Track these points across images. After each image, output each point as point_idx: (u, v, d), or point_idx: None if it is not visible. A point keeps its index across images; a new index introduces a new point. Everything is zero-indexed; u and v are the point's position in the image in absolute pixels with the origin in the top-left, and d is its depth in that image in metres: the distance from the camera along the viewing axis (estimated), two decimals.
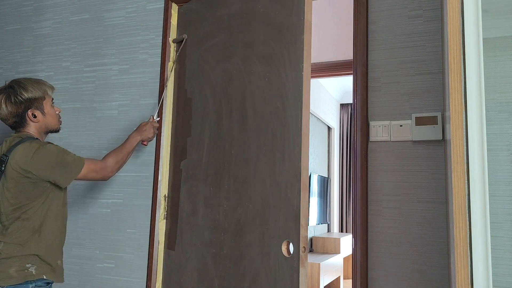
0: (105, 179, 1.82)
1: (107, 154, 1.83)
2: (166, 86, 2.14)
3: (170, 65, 2.19)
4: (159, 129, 2.10)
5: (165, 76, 2.16)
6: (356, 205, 1.78)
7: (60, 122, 1.88)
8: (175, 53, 2.21)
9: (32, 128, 1.78)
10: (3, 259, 1.64)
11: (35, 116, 1.76)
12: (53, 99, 1.85)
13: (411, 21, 1.80)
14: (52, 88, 1.83)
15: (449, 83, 1.06)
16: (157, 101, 2.18)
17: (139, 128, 1.95)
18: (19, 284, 1.62)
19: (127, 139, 1.91)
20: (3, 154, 1.69)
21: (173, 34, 2.22)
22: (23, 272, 1.63)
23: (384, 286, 1.70)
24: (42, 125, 1.80)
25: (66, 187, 1.80)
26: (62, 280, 1.76)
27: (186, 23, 2.18)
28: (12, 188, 1.66)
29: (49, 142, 1.73)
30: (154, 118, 2.02)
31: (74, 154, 1.74)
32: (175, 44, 2.22)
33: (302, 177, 1.52)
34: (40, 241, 1.69)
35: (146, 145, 2.00)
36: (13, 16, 2.63)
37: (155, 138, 2.12)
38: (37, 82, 1.79)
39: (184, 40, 2.14)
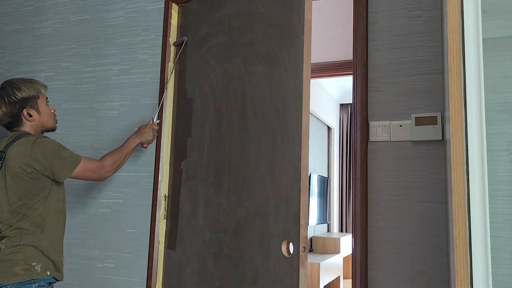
0: (102, 179, 1.81)
1: (105, 155, 1.83)
2: (166, 88, 2.14)
3: (170, 66, 2.19)
4: (159, 130, 2.10)
5: (165, 78, 2.16)
6: (356, 205, 1.78)
7: (55, 121, 1.88)
8: (175, 55, 2.21)
9: (28, 127, 1.78)
10: (9, 254, 1.64)
11: (30, 115, 1.77)
12: (47, 97, 1.85)
13: (411, 21, 1.80)
14: (45, 87, 1.83)
15: (449, 83, 1.06)
16: (157, 102, 2.18)
17: (139, 131, 1.95)
18: (24, 281, 1.63)
19: (126, 140, 1.91)
20: (1, 151, 1.70)
21: (173, 34, 2.22)
22: (29, 271, 1.64)
23: (384, 286, 1.70)
24: (38, 124, 1.81)
25: (63, 183, 1.81)
26: (62, 278, 1.77)
27: (186, 24, 2.18)
28: (14, 185, 1.66)
29: (45, 136, 1.74)
30: (154, 120, 2.02)
31: (72, 151, 1.75)
32: (175, 46, 2.22)
33: (302, 177, 1.52)
34: (43, 236, 1.70)
35: (146, 147, 2.01)
36: (14, 16, 2.63)
37: (155, 139, 2.13)
38: (30, 82, 1.79)
39: (184, 42, 2.14)
